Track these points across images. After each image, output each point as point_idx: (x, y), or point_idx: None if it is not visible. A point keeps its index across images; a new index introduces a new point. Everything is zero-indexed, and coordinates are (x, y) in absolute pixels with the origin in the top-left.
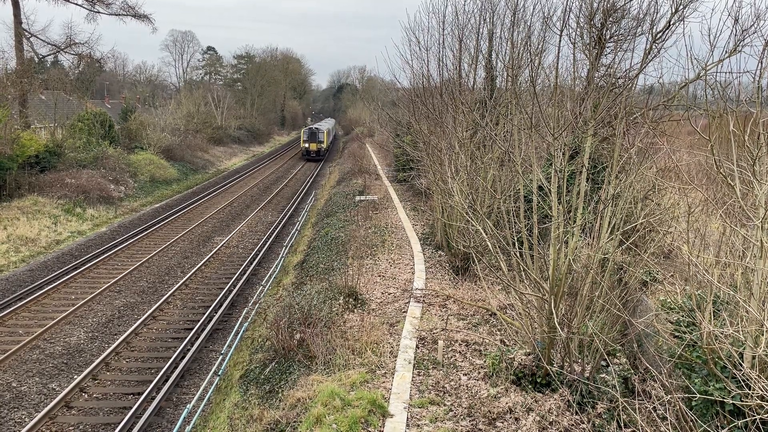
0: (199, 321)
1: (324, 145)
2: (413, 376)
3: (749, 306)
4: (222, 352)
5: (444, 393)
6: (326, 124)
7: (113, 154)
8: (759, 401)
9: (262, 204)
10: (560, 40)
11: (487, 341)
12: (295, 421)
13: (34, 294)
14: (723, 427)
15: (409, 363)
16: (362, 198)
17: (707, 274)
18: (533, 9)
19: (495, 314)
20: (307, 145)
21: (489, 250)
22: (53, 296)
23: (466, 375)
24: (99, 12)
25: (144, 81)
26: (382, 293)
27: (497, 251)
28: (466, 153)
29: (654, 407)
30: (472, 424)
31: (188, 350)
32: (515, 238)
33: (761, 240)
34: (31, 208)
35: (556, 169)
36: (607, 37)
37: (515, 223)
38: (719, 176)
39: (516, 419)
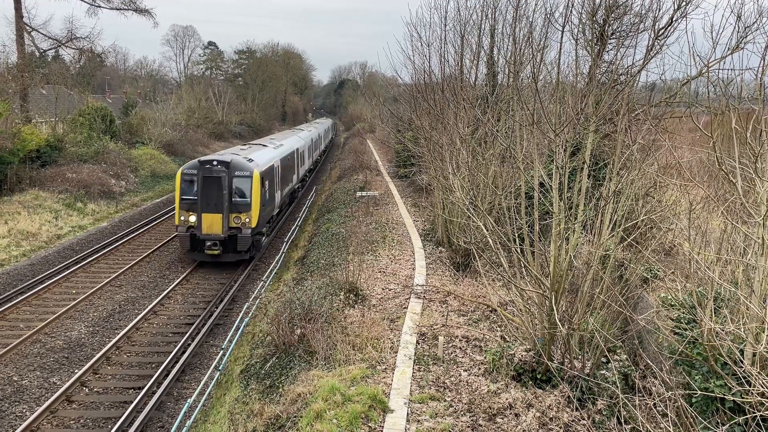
0: (200, 316)
1: (252, 217)
2: (413, 372)
3: (750, 303)
4: (222, 347)
5: (444, 389)
6: (292, 140)
7: (114, 149)
8: (759, 398)
9: None
10: (562, 37)
11: (487, 337)
12: (295, 416)
13: (35, 288)
14: (723, 424)
15: (410, 359)
16: (363, 194)
17: (708, 271)
18: (535, 5)
19: (495, 310)
20: (185, 218)
21: (490, 246)
22: (54, 291)
23: (466, 371)
24: (100, 6)
25: (145, 76)
26: (383, 289)
27: (498, 247)
28: (467, 149)
29: (654, 404)
30: (472, 420)
31: (189, 345)
32: (516, 235)
33: (762, 237)
34: (32, 202)
35: (557, 166)
36: (610, 33)
37: (516, 219)
38: (721, 173)
39: (516, 415)
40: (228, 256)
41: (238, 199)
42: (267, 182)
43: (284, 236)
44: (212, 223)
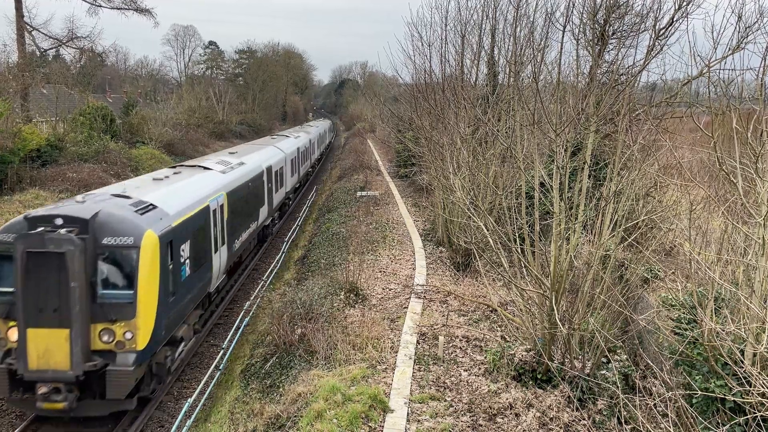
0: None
1: (141, 328)
2: (414, 372)
3: (750, 303)
4: (223, 346)
5: (444, 388)
6: (263, 154)
7: (115, 149)
8: (760, 398)
9: None
10: (563, 36)
11: (487, 337)
12: (295, 416)
13: None
14: (723, 424)
15: (410, 358)
16: (363, 194)
17: (709, 271)
18: (536, 5)
19: (496, 310)
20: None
21: (490, 246)
22: None
23: (466, 371)
24: (101, 6)
25: (146, 75)
26: (383, 289)
27: (498, 247)
28: (468, 149)
29: (655, 404)
30: (472, 420)
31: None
32: (516, 235)
33: (763, 237)
34: (32, 201)
35: (558, 166)
36: (610, 33)
37: (517, 219)
38: (721, 173)
39: (516, 415)
40: (90, 407)
41: (108, 292)
42: (186, 246)
43: (284, 236)
44: (48, 347)
